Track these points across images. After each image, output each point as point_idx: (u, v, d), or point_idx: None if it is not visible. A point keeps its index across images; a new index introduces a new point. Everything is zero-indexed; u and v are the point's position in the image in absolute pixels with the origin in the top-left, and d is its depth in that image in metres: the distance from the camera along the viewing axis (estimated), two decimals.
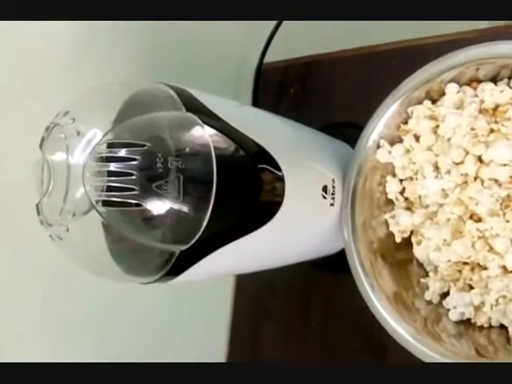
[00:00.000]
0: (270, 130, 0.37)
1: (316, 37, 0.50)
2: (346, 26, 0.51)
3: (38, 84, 0.40)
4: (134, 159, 0.28)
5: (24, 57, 0.40)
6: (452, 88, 0.35)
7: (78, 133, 0.32)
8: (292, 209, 0.35)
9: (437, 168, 0.35)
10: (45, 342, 0.43)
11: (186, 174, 0.29)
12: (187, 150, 0.30)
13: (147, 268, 0.32)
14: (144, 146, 0.29)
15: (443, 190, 0.35)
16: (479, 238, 0.34)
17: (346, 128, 0.46)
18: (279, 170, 0.34)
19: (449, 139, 0.35)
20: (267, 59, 0.51)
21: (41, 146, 0.33)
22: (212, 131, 0.31)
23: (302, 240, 0.38)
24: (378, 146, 0.37)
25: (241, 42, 0.53)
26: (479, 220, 0.35)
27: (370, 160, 0.38)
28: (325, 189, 0.37)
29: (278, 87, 0.51)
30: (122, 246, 0.32)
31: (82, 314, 0.45)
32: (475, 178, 0.34)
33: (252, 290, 0.50)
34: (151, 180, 0.28)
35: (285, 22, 0.49)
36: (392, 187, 0.38)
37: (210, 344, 0.54)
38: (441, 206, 0.36)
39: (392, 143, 0.38)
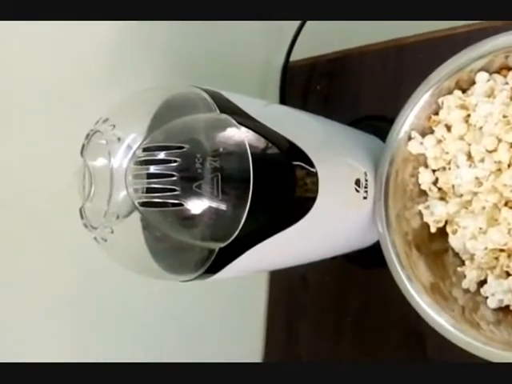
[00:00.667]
0: (301, 127, 0.38)
1: (340, 34, 0.50)
2: (370, 21, 0.52)
3: (77, 91, 0.42)
4: (174, 161, 0.29)
5: (63, 64, 0.42)
6: (482, 77, 0.35)
7: (119, 139, 0.33)
8: (326, 203, 0.36)
9: (470, 157, 0.35)
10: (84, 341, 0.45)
11: (224, 173, 0.30)
12: (223, 149, 0.30)
13: (187, 266, 0.33)
14: (182, 147, 0.29)
15: (477, 178, 0.35)
16: None
17: (375, 121, 0.46)
18: (312, 165, 0.35)
19: (481, 128, 0.35)
20: (293, 58, 0.52)
21: (82, 152, 0.35)
22: (246, 130, 0.31)
23: (336, 234, 0.39)
24: (410, 138, 0.38)
25: (266, 41, 0.54)
26: None
27: (402, 152, 0.38)
28: (358, 182, 0.38)
29: (305, 85, 0.51)
30: (161, 245, 0.33)
31: (117, 314, 0.46)
32: (509, 165, 0.34)
33: (286, 286, 0.51)
34: (191, 180, 0.29)
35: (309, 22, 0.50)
36: (425, 178, 0.38)
37: (246, 343, 0.54)
38: (475, 194, 0.36)
39: (423, 134, 0.38)
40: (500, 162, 0.34)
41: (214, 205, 0.30)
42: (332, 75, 0.50)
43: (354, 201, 0.38)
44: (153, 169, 0.30)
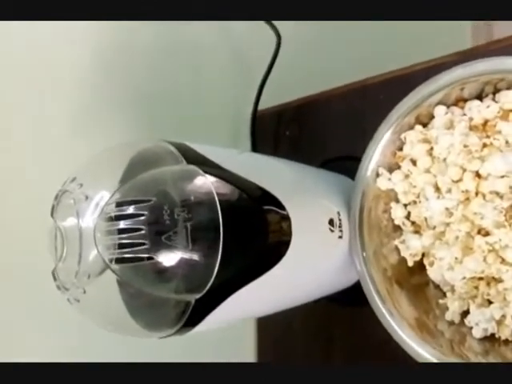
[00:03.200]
0: (271, 173, 0.38)
1: (304, 80, 0.52)
2: (335, 65, 0.53)
3: (44, 151, 0.42)
4: (142, 215, 0.29)
5: (30, 125, 0.43)
6: (440, 110, 0.36)
7: (87, 197, 0.33)
8: (301, 246, 0.36)
9: (437, 188, 0.36)
10: None
11: (193, 223, 0.30)
12: (192, 199, 0.31)
13: (165, 321, 0.33)
14: (150, 200, 0.30)
15: (447, 209, 0.36)
16: (489, 251, 0.34)
17: (344, 162, 0.47)
18: (284, 209, 0.35)
19: (444, 159, 0.36)
20: (261, 106, 0.53)
21: (52, 213, 0.34)
22: (214, 179, 0.32)
23: (316, 276, 0.39)
24: (378, 175, 0.38)
25: (234, 92, 0.55)
26: (487, 234, 0.35)
27: (372, 189, 0.39)
28: (331, 222, 0.38)
29: (274, 131, 0.52)
30: (138, 301, 0.33)
31: None
32: (476, 193, 0.35)
33: (272, 331, 0.50)
34: (160, 233, 0.29)
35: (274, 69, 0.51)
36: (397, 213, 0.39)
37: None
38: (447, 225, 0.36)
39: (391, 170, 0.38)
40: (467, 191, 0.35)
41: (186, 256, 0.30)
42: (300, 120, 0.51)
43: (329, 241, 0.38)
44: (121, 224, 0.29)
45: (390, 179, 0.38)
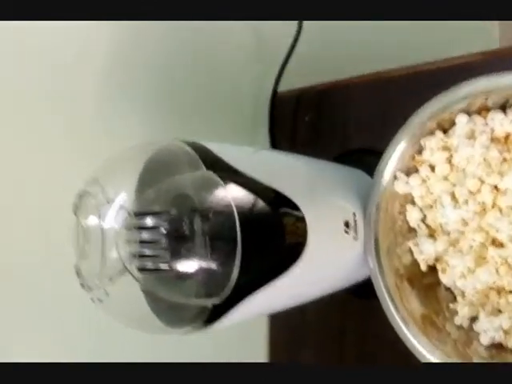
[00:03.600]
0: (287, 173, 0.38)
1: (327, 65, 0.51)
2: (358, 52, 0.52)
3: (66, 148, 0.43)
4: (163, 226, 0.30)
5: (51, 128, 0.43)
6: (462, 119, 0.35)
7: (108, 200, 0.34)
8: (316, 248, 0.36)
9: (454, 197, 0.36)
10: None
11: (212, 233, 0.30)
12: (210, 210, 0.31)
13: (186, 320, 0.34)
14: (170, 212, 0.30)
15: (463, 219, 0.36)
16: (502, 263, 0.35)
17: (363, 155, 0.46)
18: (300, 212, 0.36)
19: (463, 169, 0.36)
20: (280, 88, 0.52)
21: (74, 211, 0.35)
22: (231, 188, 0.32)
23: (330, 275, 0.40)
24: (395, 178, 0.38)
25: (254, 72, 0.55)
26: (501, 245, 0.35)
27: (389, 191, 0.39)
28: (347, 224, 0.39)
29: (293, 116, 0.52)
30: (159, 302, 0.34)
31: None
32: (493, 206, 0.35)
33: (285, 321, 0.51)
34: (180, 243, 0.30)
35: (296, 50, 0.50)
36: (413, 216, 0.39)
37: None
38: (462, 233, 0.37)
39: (408, 173, 0.38)
40: (484, 203, 0.35)
41: (205, 265, 0.31)
42: (320, 106, 0.50)
43: (344, 242, 0.39)
44: (143, 235, 0.30)
45: (407, 183, 0.38)
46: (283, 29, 0.49)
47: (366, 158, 0.46)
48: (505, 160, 0.34)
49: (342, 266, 0.40)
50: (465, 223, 0.36)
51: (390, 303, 0.39)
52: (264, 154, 0.41)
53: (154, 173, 0.34)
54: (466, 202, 0.35)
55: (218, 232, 0.31)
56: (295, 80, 0.51)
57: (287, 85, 0.52)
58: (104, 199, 0.33)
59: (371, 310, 0.46)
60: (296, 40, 0.49)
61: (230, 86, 0.54)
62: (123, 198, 0.33)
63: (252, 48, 0.54)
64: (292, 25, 0.49)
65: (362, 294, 0.47)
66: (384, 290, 0.39)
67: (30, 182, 0.43)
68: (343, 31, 0.53)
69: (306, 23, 0.49)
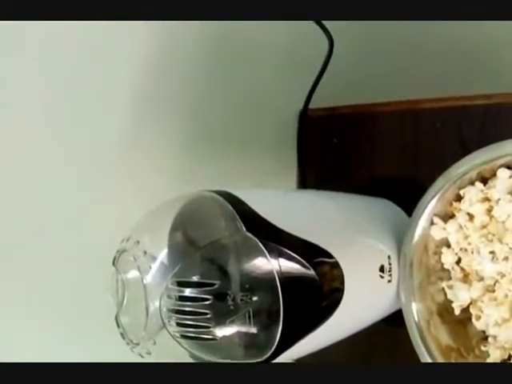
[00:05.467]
0: (319, 219, 0.38)
1: (356, 88, 0.50)
2: (390, 77, 0.51)
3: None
4: (207, 299, 0.30)
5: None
6: (504, 174, 0.35)
7: (145, 252, 0.34)
8: (352, 295, 0.37)
9: (493, 252, 0.36)
10: None
11: (255, 304, 0.31)
12: (253, 280, 0.31)
13: None
14: (214, 284, 0.30)
15: (500, 271, 0.36)
16: None
17: (391, 183, 0.46)
18: (335, 260, 0.36)
19: (503, 221, 0.35)
20: (311, 105, 0.51)
21: (113, 263, 0.36)
22: (272, 251, 0.32)
23: (365, 316, 0.40)
24: (432, 223, 0.38)
25: (284, 93, 0.53)
26: None
27: (425, 235, 0.39)
28: (382, 268, 0.39)
29: (322, 137, 0.51)
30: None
31: None
32: None
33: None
34: (224, 316, 0.30)
35: (328, 71, 0.49)
36: (448, 259, 0.39)
37: None
38: (497, 280, 0.37)
39: (445, 218, 0.38)
40: None
41: (247, 333, 0.31)
42: (348, 130, 0.50)
43: (379, 287, 0.39)
44: (187, 306, 0.31)
45: (444, 229, 0.38)
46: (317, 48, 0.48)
47: (395, 188, 0.45)
48: None
49: (377, 306, 0.40)
50: (502, 274, 0.36)
51: (417, 334, 0.40)
52: (293, 198, 0.40)
53: (187, 227, 0.34)
54: (506, 258, 0.35)
55: (261, 302, 0.31)
56: (325, 101, 0.50)
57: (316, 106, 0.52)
58: (140, 252, 0.34)
59: (400, 337, 0.47)
60: (327, 61, 0.48)
61: (259, 105, 0.53)
62: (162, 256, 0.34)
63: (284, 66, 0.53)
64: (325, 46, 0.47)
65: (392, 320, 0.47)
66: (413, 322, 0.40)
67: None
68: (377, 53, 0.52)
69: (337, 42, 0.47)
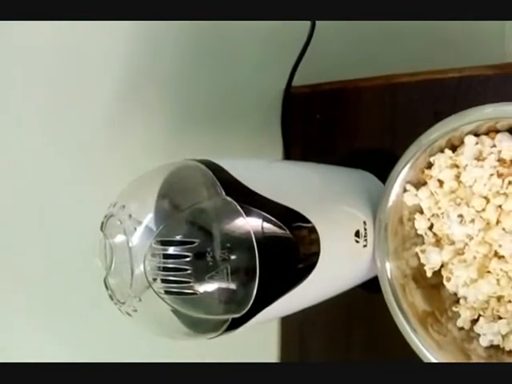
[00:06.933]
0: (299, 187, 0.40)
1: (339, 65, 0.51)
2: (370, 53, 0.53)
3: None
4: (188, 256, 0.32)
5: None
6: (471, 140, 0.37)
7: (130, 215, 0.36)
8: (328, 259, 0.39)
9: (461, 215, 0.38)
10: None
11: (233, 260, 0.33)
12: (231, 238, 0.33)
13: (209, 329, 0.37)
14: (194, 242, 0.32)
15: (468, 234, 0.38)
16: (503, 276, 0.37)
17: (371, 156, 0.48)
18: (312, 225, 0.38)
19: (471, 186, 0.37)
20: (294, 83, 0.53)
21: (101, 228, 0.38)
22: (249, 213, 0.34)
23: (341, 279, 0.42)
24: (405, 190, 0.40)
25: (267, 70, 0.55)
26: (503, 257, 0.37)
27: (398, 202, 0.41)
28: (357, 233, 0.41)
29: (305, 112, 0.53)
30: (185, 315, 0.37)
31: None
32: (497, 223, 0.37)
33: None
34: (203, 272, 0.33)
35: (309, 50, 0.51)
36: (421, 224, 0.41)
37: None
38: (467, 244, 0.39)
39: (418, 185, 0.40)
40: (489, 220, 0.37)
41: (226, 288, 0.33)
42: (331, 105, 0.51)
43: (354, 251, 0.41)
44: (169, 263, 0.33)
45: (416, 195, 0.40)
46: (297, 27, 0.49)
47: (375, 160, 0.47)
48: (510, 183, 0.35)
49: (353, 270, 0.42)
50: (470, 237, 0.38)
51: (392, 299, 0.42)
52: (276, 168, 0.42)
53: (171, 194, 0.36)
54: (473, 221, 0.37)
55: (239, 259, 0.33)
56: (307, 79, 0.52)
57: (299, 81, 0.53)
58: (126, 216, 0.35)
59: (379, 304, 0.49)
60: (309, 40, 0.50)
61: (243, 84, 0.54)
62: (147, 220, 0.36)
63: (266, 47, 0.54)
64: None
65: (370, 287, 0.49)
66: (389, 287, 0.42)
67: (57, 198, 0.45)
68: (356, 32, 0.53)
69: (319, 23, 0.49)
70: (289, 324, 0.56)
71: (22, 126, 0.44)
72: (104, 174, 0.47)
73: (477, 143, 0.37)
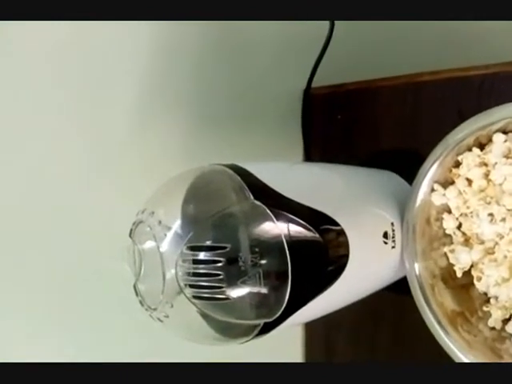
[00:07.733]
0: (325, 189, 0.40)
1: (360, 65, 0.51)
2: (390, 52, 0.52)
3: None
4: (220, 261, 0.32)
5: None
6: (499, 138, 0.36)
7: (160, 222, 0.36)
8: (357, 261, 0.39)
9: (491, 213, 0.37)
10: None
11: (265, 265, 0.33)
12: (263, 243, 0.33)
13: (240, 333, 0.37)
14: (225, 247, 0.32)
15: (498, 232, 0.37)
16: None
17: (395, 156, 0.48)
18: (340, 228, 0.38)
19: (500, 184, 0.37)
20: (314, 84, 0.53)
21: (130, 235, 0.38)
22: (279, 217, 0.34)
23: (370, 281, 0.42)
24: (432, 190, 0.40)
25: (287, 68, 0.55)
26: None
27: (426, 201, 0.40)
28: (385, 235, 0.40)
29: (326, 113, 0.53)
30: (215, 320, 0.37)
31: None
32: None
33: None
34: (235, 277, 0.32)
35: (328, 52, 0.50)
36: (449, 224, 0.41)
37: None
38: (497, 242, 0.38)
39: (445, 184, 0.40)
40: None
41: (258, 293, 0.33)
42: (353, 106, 0.51)
43: (383, 253, 0.41)
44: (201, 268, 0.33)
45: (444, 195, 0.40)
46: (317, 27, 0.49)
47: (398, 160, 0.47)
48: None
49: (381, 272, 0.42)
50: (500, 236, 0.38)
51: (422, 299, 0.41)
52: (300, 170, 0.42)
53: (199, 199, 0.36)
54: (504, 219, 0.36)
55: (270, 263, 0.33)
56: (327, 79, 0.52)
57: (319, 84, 0.53)
58: (155, 222, 0.35)
59: (404, 306, 0.49)
60: (328, 40, 0.49)
61: (263, 86, 0.54)
62: (176, 226, 0.36)
63: (285, 48, 0.54)
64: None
65: (396, 289, 0.49)
66: (418, 288, 0.42)
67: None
68: (376, 31, 0.53)
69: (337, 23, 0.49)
70: (314, 324, 0.56)
71: (46, 130, 0.44)
72: (123, 177, 0.47)
73: (505, 141, 0.36)
